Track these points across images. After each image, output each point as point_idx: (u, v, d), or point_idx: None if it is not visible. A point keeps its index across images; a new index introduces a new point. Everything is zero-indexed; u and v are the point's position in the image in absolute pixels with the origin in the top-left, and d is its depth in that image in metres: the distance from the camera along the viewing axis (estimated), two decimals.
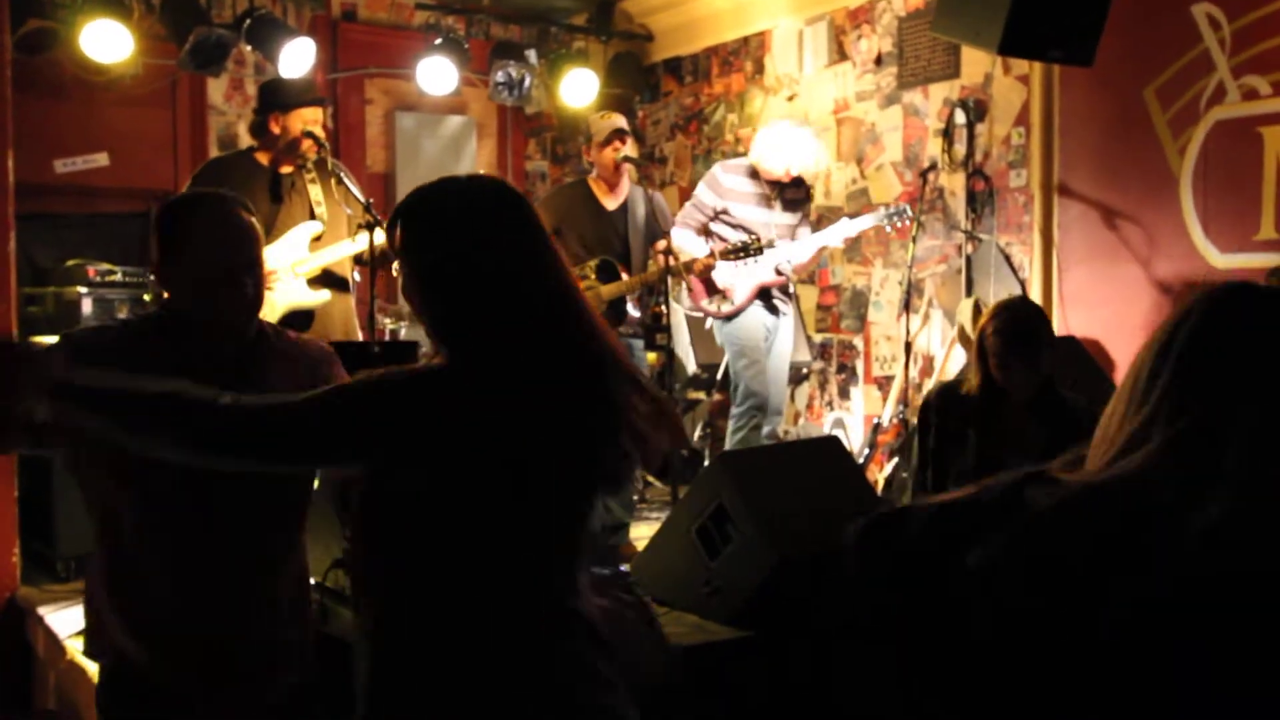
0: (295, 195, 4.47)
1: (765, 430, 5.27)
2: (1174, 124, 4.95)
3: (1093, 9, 4.15)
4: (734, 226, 5.16)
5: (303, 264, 4.39)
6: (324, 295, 4.45)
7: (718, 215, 5.25)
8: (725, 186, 5.25)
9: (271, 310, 4.20)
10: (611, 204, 5.01)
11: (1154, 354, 1.23)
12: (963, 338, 5.39)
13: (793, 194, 5.35)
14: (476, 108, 7.94)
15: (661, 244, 4.99)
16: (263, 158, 4.46)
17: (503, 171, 8.14)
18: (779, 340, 5.36)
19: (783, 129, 5.31)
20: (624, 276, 4.87)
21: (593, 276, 4.87)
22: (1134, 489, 1.15)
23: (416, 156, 7.75)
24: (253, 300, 2.17)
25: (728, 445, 5.21)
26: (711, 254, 4.91)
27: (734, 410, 5.29)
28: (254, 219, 2.21)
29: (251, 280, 2.15)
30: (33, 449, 2.05)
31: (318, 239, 4.44)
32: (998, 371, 3.37)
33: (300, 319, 4.35)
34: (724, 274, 5.13)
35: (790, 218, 5.34)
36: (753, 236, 4.85)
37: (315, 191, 4.48)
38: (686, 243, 5.17)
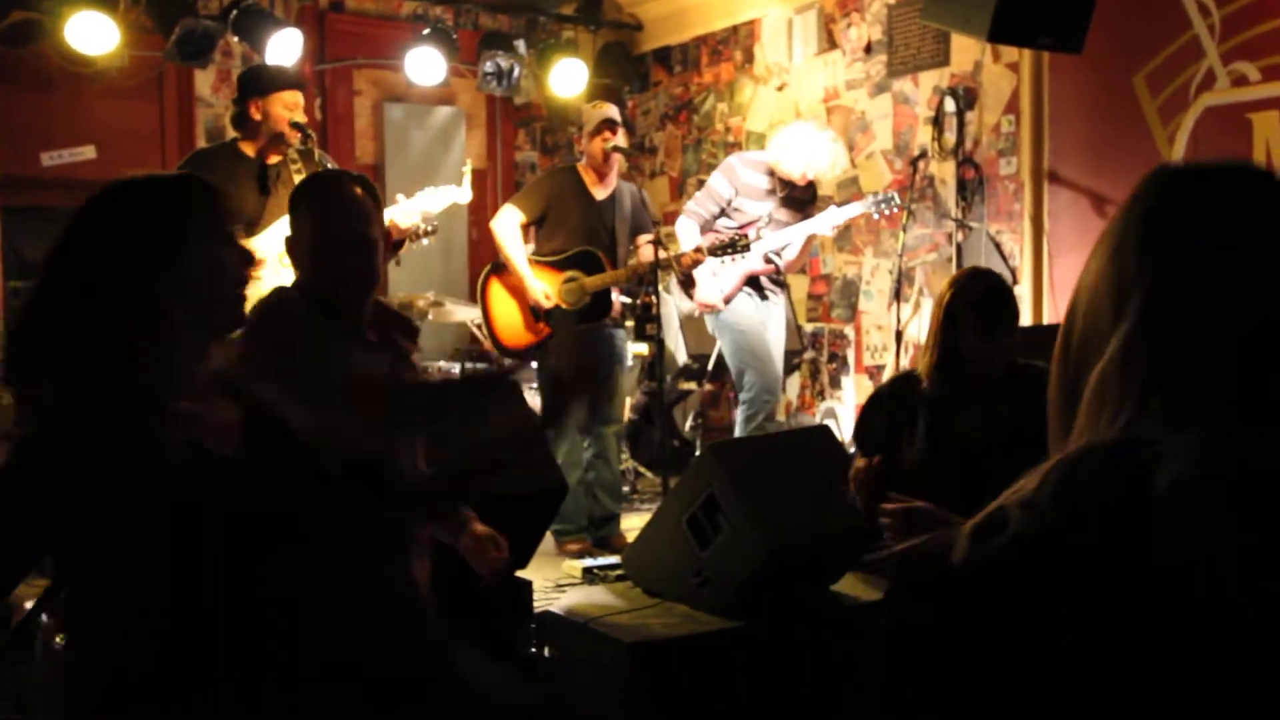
0: (282, 186, 4.44)
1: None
2: (1164, 111, 4.95)
3: None
4: (737, 224, 5.15)
5: None
6: None
7: (727, 207, 5.24)
8: (743, 181, 5.22)
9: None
10: (600, 194, 4.99)
11: (1113, 244, 1.12)
12: None
13: (800, 193, 5.32)
14: (465, 98, 7.91)
15: (644, 237, 4.97)
16: (247, 148, 4.42)
17: (492, 162, 8.12)
18: (771, 329, 5.34)
19: (805, 132, 5.26)
20: (607, 268, 4.87)
21: (571, 269, 4.88)
22: (1224, 445, 0.98)
23: (405, 147, 7.72)
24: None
25: (738, 435, 5.17)
26: (699, 249, 4.89)
27: (744, 397, 5.22)
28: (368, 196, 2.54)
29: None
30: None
31: None
32: (978, 345, 3.11)
33: None
34: (711, 267, 5.11)
35: (791, 215, 5.31)
36: (740, 232, 4.84)
37: None
38: (687, 235, 5.15)
